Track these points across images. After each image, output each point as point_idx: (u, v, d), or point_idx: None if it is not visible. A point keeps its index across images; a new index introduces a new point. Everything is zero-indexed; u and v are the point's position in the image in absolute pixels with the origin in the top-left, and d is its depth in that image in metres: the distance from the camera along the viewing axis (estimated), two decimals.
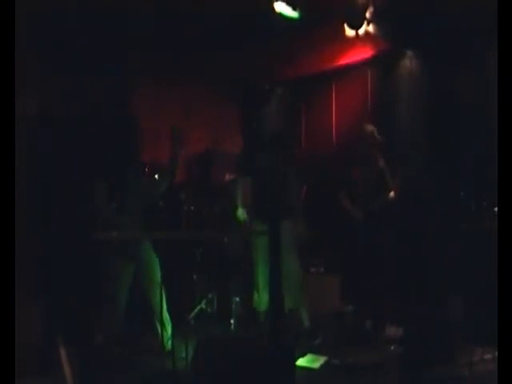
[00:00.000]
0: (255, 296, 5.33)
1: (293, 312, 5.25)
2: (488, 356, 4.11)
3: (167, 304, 4.72)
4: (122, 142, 4.77)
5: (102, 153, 5.10)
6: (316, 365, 4.52)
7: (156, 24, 5.61)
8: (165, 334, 4.65)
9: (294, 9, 5.66)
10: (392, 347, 4.75)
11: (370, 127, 5.41)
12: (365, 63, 6.46)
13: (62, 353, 3.58)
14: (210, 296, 5.97)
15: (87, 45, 5.59)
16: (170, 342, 4.57)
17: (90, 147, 5.49)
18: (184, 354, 4.22)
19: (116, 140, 4.90)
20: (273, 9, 5.58)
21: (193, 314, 5.84)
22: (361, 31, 6.04)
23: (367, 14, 5.96)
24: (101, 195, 4.58)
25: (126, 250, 4.57)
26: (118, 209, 4.57)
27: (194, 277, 6.02)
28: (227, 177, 6.45)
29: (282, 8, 5.61)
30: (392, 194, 5.24)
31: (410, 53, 5.99)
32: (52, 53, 5.54)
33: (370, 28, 5.98)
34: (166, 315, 4.70)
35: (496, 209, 3.79)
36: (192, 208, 6.08)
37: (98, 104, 5.90)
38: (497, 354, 2.46)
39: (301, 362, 4.51)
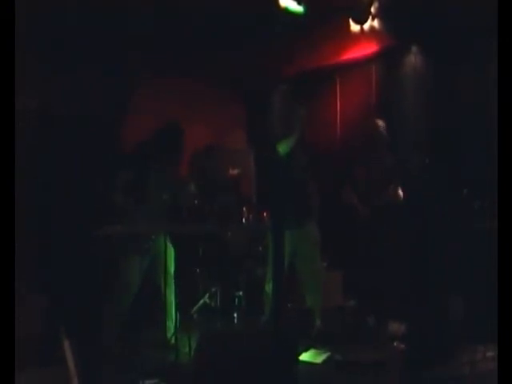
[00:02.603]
0: (266, 288, 5.33)
1: (310, 311, 5.27)
2: (489, 354, 4.11)
3: (175, 296, 4.77)
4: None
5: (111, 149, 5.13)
6: (318, 360, 4.53)
7: (156, 19, 5.61)
8: (170, 327, 4.69)
9: (299, 3, 5.66)
10: (394, 344, 4.76)
11: (375, 123, 5.39)
12: (369, 59, 6.43)
13: (65, 345, 3.59)
14: (213, 290, 5.99)
15: (87, 45, 5.60)
16: (174, 336, 4.61)
17: (88, 143, 5.51)
18: (187, 348, 4.25)
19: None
20: (278, 4, 5.57)
21: (196, 308, 5.87)
22: (366, 26, 6.03)
23: (372, 9, 5.95)
24: (120, 190, 4.61)
25: (136, 246, 4.60)
26: (134, 204, 4.61)
27: (197, 271, 6.05)
28: (230, 172, 6.47)
29: (287, 3, 5.61)
30: (396, 191, 5.24)
31: (415, 48, 5.96)
32: (52, 53, 5.55)
33: (375, 23, 5.98)
34: (172, 307, 4.74)
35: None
36: (195, 202, 6.10)
37: (101, 100, 5.91)
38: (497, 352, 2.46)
39: (303, 356, 4.53)
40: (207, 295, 5.99)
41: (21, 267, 2.99)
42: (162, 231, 4.66)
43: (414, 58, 5.96)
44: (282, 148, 5.01)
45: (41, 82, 5.49)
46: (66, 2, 5.02)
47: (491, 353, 4.07)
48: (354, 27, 6.10)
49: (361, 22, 6.03)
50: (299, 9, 5.69)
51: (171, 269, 4.77)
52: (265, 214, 5.79)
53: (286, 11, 5.63)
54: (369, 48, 6.33)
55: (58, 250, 5.36)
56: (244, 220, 5.87)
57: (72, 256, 5.30)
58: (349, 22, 6.11)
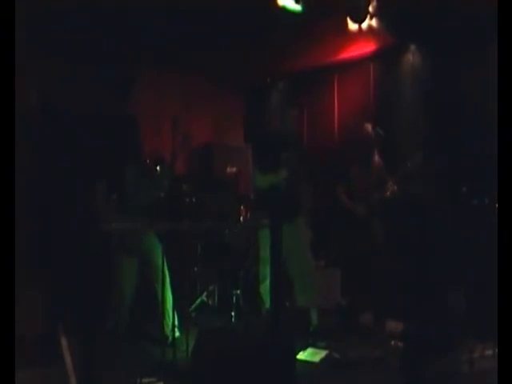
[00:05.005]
0: (261, 289, 5.32)
1: (304, 310, 5.25)
2: (489, 352, 4.11)
3: (172, 295, 4.77)
4: (122, 136, 4.79)
5: (102, 147, 5.11)
6: (316, 359, 4.52)
7: (156, 18, 5.61)
8: (168, 326, 4.68)
9: (297, 2, 5.66)
10: (392, 342, 4.76)
11: (368, 124, 5.41)
12: (367, 57, 6.46)
13: (63, 345, 3.59)
14: (210, 288, 5.98)
15: (87, 43, 5.59)
16: (171, 334, 4.60)
17: (90, 142, 5.50)
18: (185, 347, 4.24)
19: (116, 134, 4.92)
20: (276, 2, 5.57)
21: (193, 306, 5.86)
22: (364, 25, 6.03)
23: (370, 8, 5.94)
24: (101, 189, 4.60)
25: (127, 244, 4.59)
26: (119, 202, 4.59)
27: (195, 269, 6.05)
28: (229, 169, 6.46)
29: (285, 1, 5.61)
30: (389, 190, 5.25)
31: (412, 47, 5.99)
32: (52, 52, 5.56)
33: (373, 22, 5.97)
34: (169, 305, 4.73)
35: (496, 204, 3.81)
36: (193, 200, 6.09)
37: (99, 98, 5.90)
38: (497, 350, 2.46)
39: (301, 355, 4.52)
40: (205, 294, 5.98)
41: (21, 267, 2.98)
42: (159, 229, 4.66)
43: (412, 57, 5.97)
44: (275, 145, 5.03)
45: (41, 80, 5.49)
46: (66, 1, 5.02)
47: (491, 350, 4.07)
48: (352, 26, 6.09)
49: (359, 20, 6.02)
50: (297, 8, 5.69)
51: (167, 267, 4.76)
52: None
53: (284, 10, 5.63)
54: (367, 47, 6.35)
55: (57, 249, 5.35)
56: (242, 218, 5.87)
57: (72, 256, 5.29)
58: (347, 20, 6.10)
